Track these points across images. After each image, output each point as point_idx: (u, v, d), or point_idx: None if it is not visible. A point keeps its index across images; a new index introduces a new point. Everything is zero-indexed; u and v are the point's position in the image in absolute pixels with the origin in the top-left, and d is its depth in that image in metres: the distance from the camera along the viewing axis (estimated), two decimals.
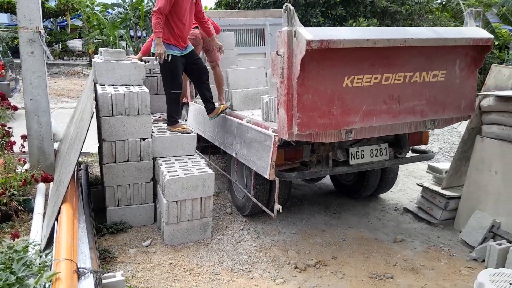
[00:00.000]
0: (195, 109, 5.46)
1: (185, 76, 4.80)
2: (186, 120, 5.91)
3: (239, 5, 10.98)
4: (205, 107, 4.57)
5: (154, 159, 4.14)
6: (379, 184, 4.72)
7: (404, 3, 11.48)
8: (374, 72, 3.27)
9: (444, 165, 4.62)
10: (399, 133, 3.77)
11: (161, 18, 4.08)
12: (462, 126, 4.75)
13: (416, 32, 3.38)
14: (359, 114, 3.30)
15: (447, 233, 4.12)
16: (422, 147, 4.47)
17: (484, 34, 3.64)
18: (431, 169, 4.66)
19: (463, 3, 15.27)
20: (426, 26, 11.68)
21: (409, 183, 5.63)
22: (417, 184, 4.76)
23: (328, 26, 10.07)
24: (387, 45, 3.15)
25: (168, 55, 4.17)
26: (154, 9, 4.07)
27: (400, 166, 4.97)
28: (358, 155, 3.87)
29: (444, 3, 15.90)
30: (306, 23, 9.57)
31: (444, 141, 7.58)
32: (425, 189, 4.51)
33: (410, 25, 11.72)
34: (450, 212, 4.28)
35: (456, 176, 4.37)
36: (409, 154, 4.31)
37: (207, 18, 4.74)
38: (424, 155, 4.35)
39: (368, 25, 9.99)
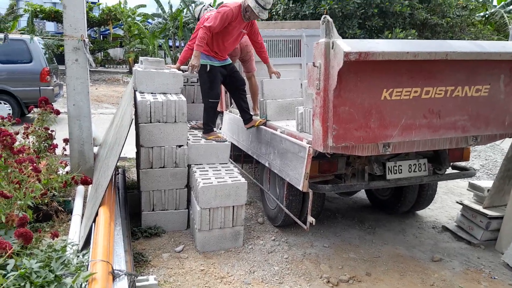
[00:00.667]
0: (229, 118, 5.51)
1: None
2: (220, 129, 5.98)
3: (276, 16, 11.05)
4: (241, 117, 4.61)
5: (189, 166, 4.20)
6: (417, 200, 4.58)
7: (445, 16, 11.18)
8: (414, 85, 3.19)
9: (486, 183, 4.43)
10: (439, 149, 3.65)
11: (208, 35, 4.18)
12: (505, 143, 4.55)
13: (459, 46, 3.28)
14: (397, 128, 3.23)
15: (488, 254, 3.93)
16: (463, 163, 4.30)
17: None
18: (472, 187, 4.48)
19: (508, 16, 14.76)
20: (468, 39, 11.34)
21: (448, 201, 5.43)
22: (457, 202, 4.58)
23: (364, 37, 9.95)
24: (428, 58, 3.07)
25: (206, 65, 4.26)
26: (206, 24, 4.17)
27: (439, 182, 4.80)
28: (396, 169, 3.78)
29: (487, 16, 15.41)
30: (342, 35, 9.47)
31: (486, 158, 7.28)
32: (466, 207, 4.33)
33: (451, 38, 11.39)
34: (492, 232, 4.09)
35: (499, 195, 4.18)
36: (449, 170, 4.16)
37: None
38: (465, 172, 4.19)
39: (405, 36, 9.79)
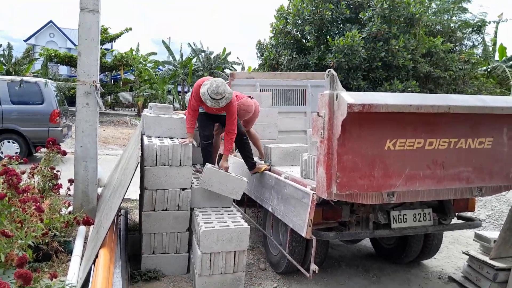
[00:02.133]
0: (233, 162, 5.54)
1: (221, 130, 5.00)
2: None
3: (282, 66, 11.41)
4: (245, 163, 4.66)
5: (192, 209, 4.19)
6: (422, 249, 4.50)
7: (448, 69, 11.48)
8: (417, 137, 3.23)
9: (492, 233, 4.36)
10: (443, 199, 3.64)
11: (192, 115, 4.39)
12: (511, 194, 4.52)
13: (461, 99, 3.36)
14: (401, 177, 3.24)
15: None
16: (468, 214, 4.26)
17: None
18: (478, 237, 4.40)
19: (510, 70, 15.10)
20: (470, 92, 11.55)
21: (455, 251, 5.31)
22: (463, 253, 4.49)
23: (368, 87, 10.19)
24: (431, 111, 3.14)
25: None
26: (187, 108, 4.38)
27: (445, 232, 4.73)
28: (401, 218, 3.74)
29: (489, 70, 15.78)
30: (347, 86, 9.75)
31: (492, 208, 7.19)
32: (472, 258, 4.24)
33: (454, 90, 11.62)
34: (499, 284, 3.97)
35: (506, 247, 4.10)
36: (455, 220, 4.11)
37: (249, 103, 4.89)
38: (471, 223, 4.14)
39: (405, 88, 10.02)
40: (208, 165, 4.18)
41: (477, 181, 3.55)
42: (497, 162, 3.57)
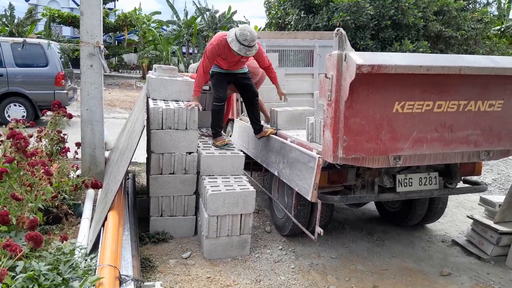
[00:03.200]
0: (239, 126, 5.53)
1: (232, 92, 4.92)
2: (230, 136, 6.00)
3: (289, 26, 11.10)
4: (252, 127, 4.62)
5: (198, 172, 4.22)
6: (427, 213, 4.53)
7: (460, 28, 11.10)
8: (426, 99, 3.17)
9: (498, 198, 4.37)
10: (450, 163, 3.62)
11: (203, 78, 4.27)
12: None
13: (472, 60, 3.26)
14: (408, 141, 3.21)
15: (498, 270, 3.87)
16: (475, 178, 4.25)
17: None
18: (483, 201, 4.42)
19: None
20: (482, 53, 11.23)
21: (459, 214, 5.36)
22: (468, 216, 4.52)
23: (376, 48, 9.92)
24: (441, 73, 3.05)
25: (213, 73, 4.39)
26: (199, 70, 4.24)
27: (450, 196, 4.75)
28: (406, 182, 3.75)
29: (502, 29, 15.27)
30: (354, 45, 9.47)
31: (499, 172, 7.18)
32: (476, 222, 4.28)
33: (466, 51, 11.29)
34: (502, 248, 4.02)
35: (511, 211, 4.11)
36: (461, 184, 4.11)
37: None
38: (476, 187, 4.13)
39: (416, 48, 9.74)
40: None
41: (485, 145, 3.51)
42: (506, 125, 3.52)
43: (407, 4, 9.71)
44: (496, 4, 14.23)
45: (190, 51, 26.18)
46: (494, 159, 3.74)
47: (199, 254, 3.88)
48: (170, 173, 4.12)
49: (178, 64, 25.67)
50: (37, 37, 19.20)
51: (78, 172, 4.80)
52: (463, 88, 3.27)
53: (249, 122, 4.69)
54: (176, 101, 4.42)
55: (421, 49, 9.81)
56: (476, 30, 11.38)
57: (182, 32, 25.11)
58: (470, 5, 12.74)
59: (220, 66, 4.36)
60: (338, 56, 2.97)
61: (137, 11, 25.73)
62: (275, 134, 4.42)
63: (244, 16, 47.63)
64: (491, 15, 12.93)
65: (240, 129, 5.52)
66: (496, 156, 3.70)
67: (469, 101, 3.32)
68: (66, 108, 5.16)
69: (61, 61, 9.87)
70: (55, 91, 9.57)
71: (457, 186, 4.06)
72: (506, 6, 15.65)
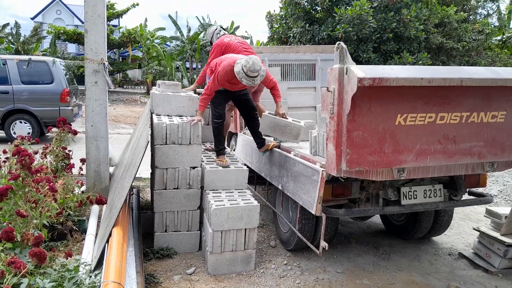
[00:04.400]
0: (243, 139, 5.55)
1: (233, 107, 4.94)
2: (234, 150, 6.02)
3: (292, 39, 11.20)
4: (254, 140, 4.63)
5: (202, 187, 4.22)
6: (433, 226, 4.50)
7: (461, 40, 11.16)
8: (428, 111, 3.18)
9: (504, 209, 4.33)
10: (454, 174, 3.61)
11: (209, 97, 4.30)
12: None
13: (474, 72, 3.27)
14: (412, 153, 3.21)
15: (506, 283, 3.81)
16: (480, 189, 4.22)
17: None
18: (489, 213, 4.38)
19: None
20: (484, 63, 11.25)
21: (465, 227, 5.31)
22: (474, 229, 4.48)
23: (379, 61, 9.98)
24: (443, 84, 3.07)
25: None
26: (205, 91, 4.28)
27: (455, 208, 4.71)
28: (411, 195, 3.73)
29: (504, 40, 15.32)
30: (356, 58, 9.54)
31: (504, 183, 7.12)
32: (483, 234, 4.23)
33: (467, 62, 11.33)
34: (510, 260, 3.98)
35: None
36: (466, 196, 4.09)
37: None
38: (482, 199, 4.10)
39: (415, 60, 9.78)
40: (265, 112, 4.52)
41: (489, 156, 3.49)
42: (510, 136, 3.51)
43: (408, 17, 9.79)
44: (497, 15, 14.32)
45: (194, 66, 26.41)
46: (499, 170, 3.72)
47: (203, 270, 3.86)
48: (174, 188, 4.13)
49: (182, 79, 25.88)
50: (43, 55, 19.47)
51: (83, 188, 4.83)
52: (465, 100, 3.28)
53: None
54: (180, 116, 4.45)
55: (420, 61, 9.86)
56: (477, 41, 11.43)
57: (185, 47, 25.40)
58: (470, 17, 12.83)
59: (224, 87, 4.37)
60: (339, 70, 3.00)
61: (143, 28, 26.06)
62: (278, 147, 4.43)
63: (246, 31, 48.06)
64: (492, 26, 13.00)
65: (243, 143, 5.54)
66: (500, 168, 3.68)
67: (472, 113, 3.32)
68: (71, 125, 5.22)
69: (66, 78, 9.98)
70: (60, 107, 9.67)
71: (463, 198, 4.03)
72: (506, 16, 15.74)
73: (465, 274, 3.99)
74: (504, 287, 3.74)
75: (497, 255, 4.04)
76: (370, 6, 9.69)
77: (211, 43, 5.25)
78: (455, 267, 4.14)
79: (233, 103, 4.72)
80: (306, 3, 11.28)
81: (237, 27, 25.74)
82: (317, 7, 10.82)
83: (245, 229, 3.80)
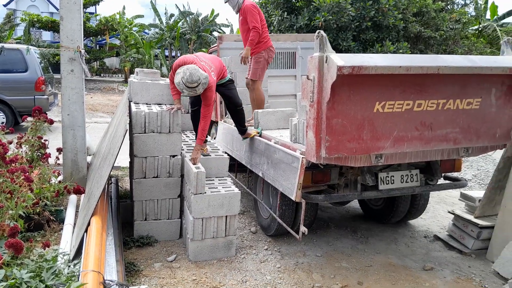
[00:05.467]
0: (224, 128, 5.53)
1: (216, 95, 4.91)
2: (215, 138, 6.00)
3: (272, 27, 11.16)
4: (237, 130, 4.60)
5: (182, 175, 4.21)
6: (409, 210, 4.61)
7: (439, 29, 11.34)
8: (406, 98, 3.23)
9: (478, 193, 4.48)
10: (430, 160, 3.69)
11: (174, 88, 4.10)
12: (497, 154, 4.61)
13: (450, 60, 3.33)
14: (389, 140, 3.26)
15: (479, 263, 3.96)
16: (455, 174, 4.34)
17: None
18: (464, 197, 4.52)
19: (500, 30, 14.99)
20: (461, 52, 11.48)
21: (440, 210, 5.46)
22: (449, 212, 4.62)
23: (358, 49, 10.06)
24: (420, 72, 3.12)
25: None
26: (170, 81, 4.14)
27: (431, 192, 4.84)
28: (388, 180, 3.80)
29: (480, 29, 15.63)
30: (336, 47, 9.59)
31: (478, 168, 7.34)
32: (457, 217, 4.37)
33: (445, 51, 11.54)
34: (482, 241, 4.12)
35: (490, 205, 4.22)
36: (441, 180, 4.20)
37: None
38: (457, 183, 4.22)
39: (396, 49, 9.91)
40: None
41: (464, 142, 3.59)
42: (484, 123, 3.61)
43: (387, 6, 9.87)
44: (473, 5, 14.57)
45: (173, 54, 26.06)
46: (473, 155, 3.83)
47: (184, 257, 3.86)
48: (154, 177, 4.10)
49: (160, 67, 25.52)
50: (16, 43, 18.85)
51: (60, 178, 4.74)
52: (442, 87, 3.35)
53: (233, 124, 4.69)
54: (159, 104, 4.40)
55: (401, 50, 9.98)
56: (455, 30, 11.63)
57: (164, 35, 25.02)
58: (448, 6, 13.03)
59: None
60: (319, 58, 3.01)
61: (119, 15, 25.50)
62: (260, 136, 4.44)
63: (226, 19, 47.59)
64: (469, 15, 13.23)
65: (224, 131, 5.53)
66: (475, 153, 3.78)
67: (448, 100, 3.40)
68: (46, 114, 5.09)
69: (41, 66, 9.71)
70: (35, 96, 9.42)
71: (438, 183, 4.14)
72: (482, 7, 16.04)
73: (440, 256, 4.12)
74: (477, 267, 3.88)
75: (470, 236, 4.18)
76: None
77: (237, 11, 5.18)
78: (430, 249, 4.26)
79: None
80: None
81: (217, 15, 25.47)
82: None
83: (226, 216, 3.81)
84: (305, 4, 10.74)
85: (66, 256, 2.77)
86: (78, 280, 2.39)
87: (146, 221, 4.14)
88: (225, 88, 4.43)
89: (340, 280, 3.56)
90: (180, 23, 25.28)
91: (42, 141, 4.73)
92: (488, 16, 16.84)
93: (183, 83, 3.73)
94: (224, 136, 5.48)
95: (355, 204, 5.42)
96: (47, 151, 4.74)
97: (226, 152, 4.65)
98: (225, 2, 5.24)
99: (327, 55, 2.99)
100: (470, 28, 14.16)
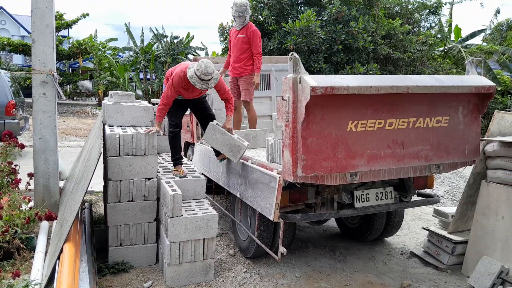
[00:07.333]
0: (200, 149, 5.52)
1: (192, 117, 4.91)
2: (191, 160, 5.96)
3: None
4: (213, 150, 4.60)
5: (158, 198, 4.15)
6: (385, 227, 4.67)
7: (407, 51, 11.79)
8: (377, 117, 3.32)
9: (450, 209, 4.58)
10: (404, 177, 3.78)
11: (166, 106, 4.20)
12: (467, 170, 4.75)
13: (419, 80, 3.47)
14: (363, 158, 3.33)
15: (455, 278, 4.02)
16: (428, 191, 4.45)
17: (486, 82, 3.72)
18: (437, 213, 4.62)
19: (465, 51, 15.67)
20: (428, 73, 11.94)
21: (415, 227, 5.55)
22: (424, 228, 4.70)
23: (330, 71, 10.32)
24: (391, 92, 3.23)
25: None
26: (161, 101, 4.21)
27: (406, 209, 4.92)
28: (363, 198, 3.86)
29: (445, 50, 16.30)
30: (308, 68, 9.81)
31: (450, 184, 7.54)
32: (432, 233, 4.45)
33: (413, 71, 11.96)
34: (457, 257, 4.20)
35: (463, 221, 4.32)
36: (415, 197, 4.29)
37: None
38: (430, 199, 4.32)
39: (366, 70, 10.23)
40: (213, 122, 4.33)
41: (435, 159, 3.70)
42: (453, 140, 3.73)
43: (356, 29, 10.21)
44: (438, 27, 15.22)
45: (148, 77, 25.98)
46: (444, 172, 3.94)
47: (161, 283, 3.77)
48: (128, 201, 4.02)
49: (135, 90, 25.37)
50: None
51: (31, 204, 4.58)
52: (411, 106, 3.46)
53: (210, 146, 4.68)
54: (134, 126, 4.36)
55: (371, 71, 10.29)
56: (422, 51, 12.11)
57: (139, 58, 24.96)
58: (415, 29, 13.57)
59: (180, 94, 4.32)
60: (293, 79, 3.08)
61: (93, 38, 25.34)
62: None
63: (201, 42, 48.05)
64: (435, 37, 13.80)
65: (200, 152, 5.51)
66: (446, 169, 3.90)
67: (418, 118, 3.51)
68: (17, 138, 4.96)
69: (11, 90, 9.50)
70: (5, 121, 9.15)
71: (412, 200, 4.23)
72: (447, 29, 16.76)
73: (417, 272, 4.17)
74: (453, 282, 3.94)
75: (445, 252, 4.26)
76: (318, 18, 10.02)
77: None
78: (407, 266, 4.31)
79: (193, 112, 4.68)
80: (258, 16, 11.49)
81: (192, 38, 25.66)
82: (268, 19, 11.06)
83: (204, 239, 3.76)
84: (277, 28, 11.00)
85: (37, 285, 2.67)
86: None
87: (121, 246, 4.04)
88: (200, 102, 4.53)
89: None
90: (155, 45, 25.30)
91: (12, 166, 4.59)
92: (452, 38, 17.61)
93: (197, 75, 3.93)
94: (201, 158, 5.46)
95: (332, 222, 5.45)
96: (18, 176, 4.59)
97: (203, 174, 4.62)
98: (236, 12, 5.26)
99: (300, 76, 3.06)
100: (436, 49, 14.76)
